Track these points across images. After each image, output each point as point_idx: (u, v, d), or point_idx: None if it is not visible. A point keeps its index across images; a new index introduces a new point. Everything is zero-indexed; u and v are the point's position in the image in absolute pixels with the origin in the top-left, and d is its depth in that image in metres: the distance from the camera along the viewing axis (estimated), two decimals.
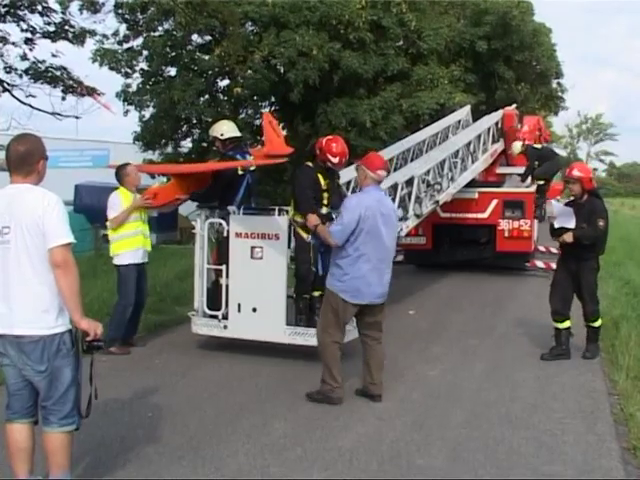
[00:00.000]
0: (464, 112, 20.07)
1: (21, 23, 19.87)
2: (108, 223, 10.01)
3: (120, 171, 10.19)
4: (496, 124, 19.11)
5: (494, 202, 17.74)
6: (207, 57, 26.60)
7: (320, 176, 9.43)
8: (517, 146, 19.10)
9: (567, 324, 9.81)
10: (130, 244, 9.97)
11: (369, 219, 7.53)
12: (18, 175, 4.95)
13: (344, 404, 7.71)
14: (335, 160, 9.38)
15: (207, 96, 27.44)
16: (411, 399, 7.97)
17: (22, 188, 4.92)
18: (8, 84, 20.21)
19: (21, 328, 4.83)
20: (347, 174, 11.82)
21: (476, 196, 17.72)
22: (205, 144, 28.99)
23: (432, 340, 10.84)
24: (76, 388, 5.06)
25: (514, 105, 21.33)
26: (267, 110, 29.73)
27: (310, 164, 9.57)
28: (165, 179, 12.85)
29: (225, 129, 10.57)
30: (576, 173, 9.69)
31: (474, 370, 9.23)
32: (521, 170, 19.41)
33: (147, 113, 28.41)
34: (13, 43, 20.16)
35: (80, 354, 5.07)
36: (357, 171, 7.97)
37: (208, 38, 27.71)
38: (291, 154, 11.36)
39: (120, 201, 9.96)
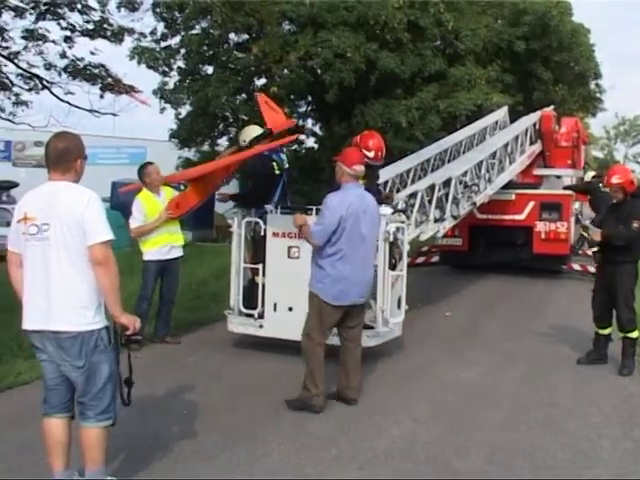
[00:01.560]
0: (501, 113, 19.91)
1: (61, 21, 20.06)
2: (131, 232, 10.10)
3: (141, 170, 10.28)
4: (534, 125, 18.92)
5: (531, 204, 17.62)
6: (244, 56, 26.66)
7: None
8: (589, 175, 19.01)
9: (608, 331, 9.55)
10: (154, 243, 10.07)
11: (351, 218, 7.37)
12: (56, 172, 4.96)
13: (378, 405, 7.65)
14: (371, 155, 9.35)
15: (244, 95, 27.50)
16: (447, 402, 7.89)
17: (60, 185, 4.93)
18: (47, 81, 20.41)
19: (60, 324, 4.84)
20: (386, 174, 11.77)
21: (513, 198, 17.61)
22: None
23: (469, 342, 10.74)
24: (113, 384, 5.07)
25: (552, 106, 21.12)
26: (304, 109, 29.79)
27: None
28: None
29: (246, 135, 10.58)
30: (616, 180, 9.36)
31: (511, 373, 9.13)
32: (559, 172, 19.26)
33: (183, 111, 28.63)
34: (53, 41, 20.37)
35: (119, 349, 5.09)
36: (335, 168, 7.81)
37: (245, 37, 27.80)
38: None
39: (141, 207, 10.05)
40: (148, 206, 10.04)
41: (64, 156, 4.94)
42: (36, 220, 4.86)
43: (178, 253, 10.30)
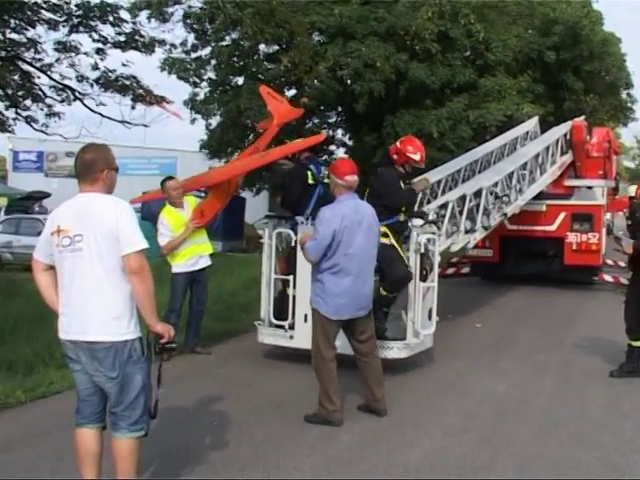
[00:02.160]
0: (532, 123, 19.81)
1: (93, 33, 20.21)
2: (162, 250, 10.06)
3: (162, 186, 10.31)
4: (565, 136, 18.81)
5: (562, 215, 17.53)
6: (274, 66, 26.73)
7: (401, 182, 9.38)
8: (632, 189, 18.86)
9: None
10: (182, 255, 10.09)
11: (346, 230, 7.24)
12: (85, 183, 5.00)
13: (409, 418, 7.61)
14: (417, 157, 9.36)
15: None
16: (478, 414, 7.83)
17: (91, 196, 4.96)
18: (80, 93, 20.56)
19: (94, 334, 4.86)
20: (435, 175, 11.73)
21: (544, 208, 17.53)
22: None
23: (499, 355, 10.67)
24: (146, 394, 5.09)
25: (583, 116, 20.97)
26: (333, 120, 29.79)
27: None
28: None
29: None
30: None
31: (542, 386, 9.05)
32: (590, 182, 19.11)
33: (214, 121, 28.72)
34: (85, 53, 20.52)
35: (151, 360, 5.12)
36: (329, 181, 7.75)
37: (275, 48, 27.86)
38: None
39: (167, 223, 10.06)
40: (173, 221, 10.06)
41: (91, 167, 4.98)
42: (69, 232, 4.89)
43: (206, 263, 10.31)
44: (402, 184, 9.36)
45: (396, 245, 9.16)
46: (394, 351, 9.19)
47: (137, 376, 4.99)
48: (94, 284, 4.85)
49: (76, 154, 5.06)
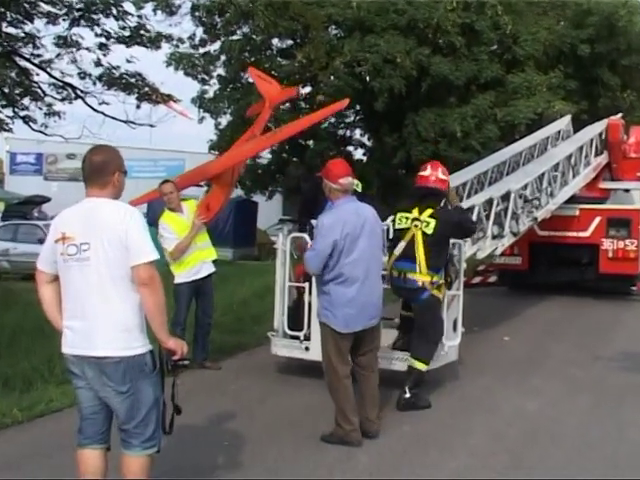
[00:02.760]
0: (564, 122, 19.74)
1: (95, 28, 20.29)
2: (168, 257, 9.96)
3: (158, 189, 10.32)
4: (599, 135, 18.73)
5: (597, 220, 17.43)
6: (288, 62, 26.80)
7: None
8: None
9: None
10: (186, 264, 10.04)
11: (348, 237, 7.18)
12: (93, 187, 4.97)
13: (432, 438, 7.58)
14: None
15: (287, 104, 27.64)
16: (507, 435, 7.79)
17: (98, 202, 4.93)
18: (81, 91, 20.65)
19: (102, 349, 4.84)
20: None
21: (577, 213, 17.44)
22: (285, 155, 29.16)
23: (530, 370, 10.61)
24: (158, 409, 5.07)
25: (619, 114, 20.88)
26: (351, 119, 29.81)
27: None
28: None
29: None
30: None
31: (577, 404, 8.98)
32: (627, 185, 19.01)
33: (224, 120, 28.82)
34: (87, 48, 20.60)
35: (165, 374, 5.10)
36: (323, 186, 7.66)
37: (289, 42, 27.95)
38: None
39: (167, 227, 10.00)
40: (174, 225, 10.02)
41: (101, 170, 4.95)
42: (75, 240, 4.87)
43: (210, 270, 10.28)
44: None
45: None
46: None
47: (148, 390, 4.96)
48: (102, 295, 4.83)
49: (84, 156, 5.04)
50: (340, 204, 7.42)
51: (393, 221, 9.04)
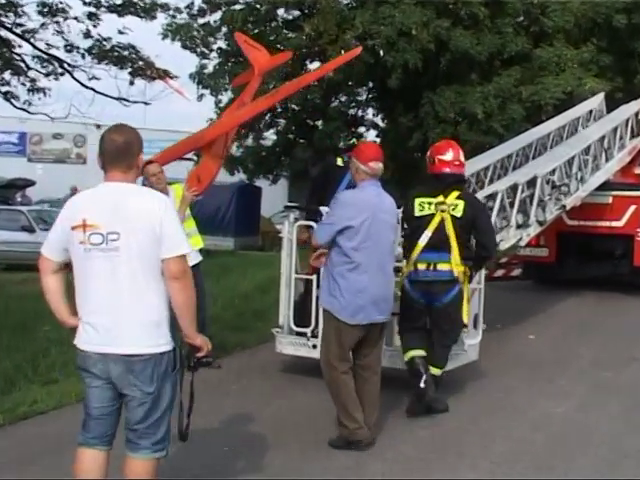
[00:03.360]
0: (597, 101, 19.69)
1: None
2: None
3: (143, 173, 10.17)
4: (636, 115, 18.69)
5: (632, 208, 17.36)
6: (294, 35, 26.77)
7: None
8: None
9: None
10: None
11: (365, 219, 7.25)
12: (116, 170, 4.95)
13: (451, 444, 7.59)
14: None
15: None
16: (532, 440, 7.80)
17: (125, 188, 4.94)
18: (69, 65, 20.67)
19: (131, 346, 4.87)
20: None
21: (610, 201, 17.37)
22: (291, 136, 29.14)
23: (557, 371, 10.62)
24: (171, 412, 5.12)
25: None
26: (363, 98, 29.78)
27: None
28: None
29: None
30: None
31: (608, 409, 8.97)
32: None
33: (225, 98, 28.78)
34: (75, 18, 20.59)
35: (183, 373, 5.18)
36: (350, 165, 7.77)
37: (296, 13, 27.92)
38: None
39: None
40: None
41: (127, 151, 4.96)
42: (100, 228, 4.85)
43: (196, 259, 10.21)
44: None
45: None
46: None
47: (168, 390, 5.02)
48: (133, 289, 4.85)
49: (103, 136, 5.01)
50: (364, 186, 7.53)
51: (407, 208, 8.77)
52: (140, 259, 4.84)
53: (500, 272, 19.15)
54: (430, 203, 8.55)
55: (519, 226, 12.20)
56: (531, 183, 12.66)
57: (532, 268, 18.67)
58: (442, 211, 8.49)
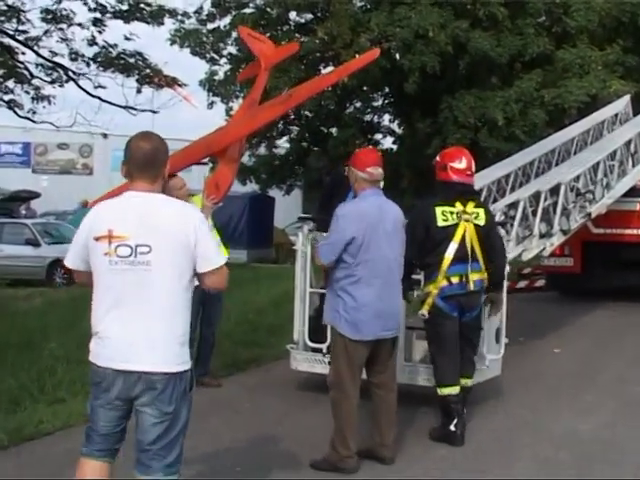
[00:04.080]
0: (622, 104, 19.69)
1: (88, 1, 20.33)
2: None
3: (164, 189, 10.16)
4: None
5: None
6: (307, 39, 26.82)
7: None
8: None
9: None
10: None
11: (368, 232, 7.20)
12: (143, 180, 4.95)
13: (472, 462, 7.59)
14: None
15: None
16: (557, 459, 7.77)
17: (155, 199, 4.93)
18: (74, 73, 20.73)
19: (155, 364, 4.83)
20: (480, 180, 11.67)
21: (638, 207, 17.36)
22: (305, 144, 29.16)
23: (583, 386, 10.61)
24: (184, 433, 5.05)
25: None
26: (379, 103, 29.78)
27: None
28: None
29: None
30: None
31: (636, 427, 8.92)
32: None
33: (236, 105, 28.84)
34: (79, 24, 20.65)
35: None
36: (349, 175, 7.68)
37: (309, 17, 27.98)
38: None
39: None
40: None
41: (155, 160, 4.96)
42: (128, 240, 4.82)
43: None
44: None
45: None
46: None
47: (184, 412, 4.98)
48: (163, 305, 4.83)
49: (128, 143, 5.00)
50: (365, 195, 7.47)
51: (427, 218, 8.55)
52: (172, 274, 4.83)
53: (523, 283, 19.16)
54: (452, 212, 8.44)
55: (542, 235, 12.19)
56: (554, 191, 12.66)
57: (556, 279, 18.65)
58: (466, 220, 8.43)
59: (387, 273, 7.36)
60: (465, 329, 8.48)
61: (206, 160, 12.80)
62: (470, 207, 8.49)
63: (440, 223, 8.38)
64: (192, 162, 11.13)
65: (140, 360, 4.82)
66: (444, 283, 8.30)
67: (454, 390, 8.31)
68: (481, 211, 8.56)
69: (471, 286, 8.35)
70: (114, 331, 4.87)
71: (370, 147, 8.79)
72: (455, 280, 8.33)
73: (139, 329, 4.82)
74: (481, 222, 8.47)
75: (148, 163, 4.92)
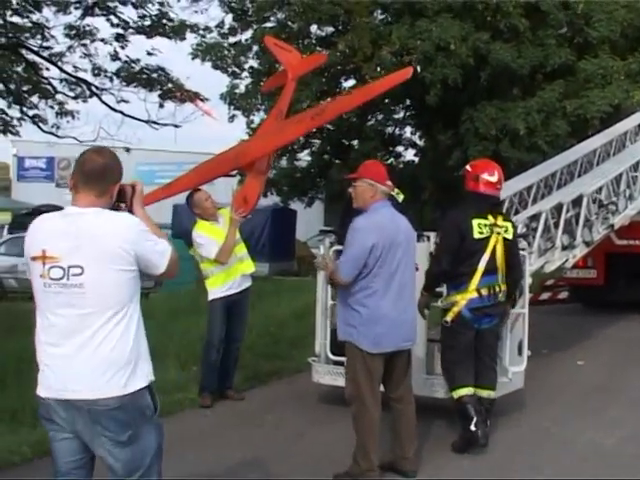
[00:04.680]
0: None
1: (111, 17, 20.44)
2: (207, 270, 10.00)
3: (188, 201, 10.23)
4: None
5: None
6: (328, 52, 26.86)
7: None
8: None
9: None
10: (226, 277, 10.01)
11: (384, 245, 7.19)
12: (88, 193, 4.63)
13: (498, 474, 7.53)
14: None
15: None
16: (581, 473, 7.69)
17: (90, 212, 4.61)
18: (97, 88, 20.83)
19: (96, 390, 4.49)
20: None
21: None
22: (327, 156, 29.20)
23: (608, 399, 10.52)
24: (160, 460, 4.76)
25: None
26: (400, 116, 29.78)
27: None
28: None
29: None
30: None
31: None
32: None
33: (257, 118, 28.92)
34: (102, 40, 20.76)
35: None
36: (357, 188, 7.56)
37: (330, 30, 28.01)
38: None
39: (205, 235, 9.92)
40: (211, 234, 9.95)
41: (103, 175, 4.65)
42: (60, 261, 4.52)
43: (248, 283, 10.28)
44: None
45: None
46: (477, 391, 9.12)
47: (150, 437, 4.65)
48: (98, 328, 4.49)
49: (81, 156, 4.73)
50: (377, 208, 7.45)
51: (462, 229, 8.52)
52: (109, 294, 4.52)
53: (546, 295, 19.05)
54: (486, 225, 8.47)
55: (565, 247, 12.13)
56: (577, 202, 12.59)
57: (579, 291, 18.55)
58: (498, 233, 8.46)
59: (404, 284, 7.36)
60: (485, 336, 8.55)
61: (234, 172, 12.81)
62: (500, 220, 8.55)
63: (476, 235, 8.39)
64: (219, 175, 11.11)
65: (80, 387, 4.50)
66: (474, 295, 8.35)
67: (469, 391, 8.34)
68: (509, 225, 8.66)
69: (500, 297, 8.46)
70: (52, 359, 4.58)
71: (374, 160, 8.65)
72: (485, 292, 8.38)
73: (77, 355, 4.50)
74: (509, 236, 8.55)
75: (95, 176, 4.62)
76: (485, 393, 8.54)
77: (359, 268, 7.17)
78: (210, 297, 10.06)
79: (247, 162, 10.52)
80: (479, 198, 8.68)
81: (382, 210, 7.44)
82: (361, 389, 7.31)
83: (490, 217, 8.50)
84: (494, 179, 8.74)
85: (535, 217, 11.94)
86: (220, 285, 10.02)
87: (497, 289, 8.44)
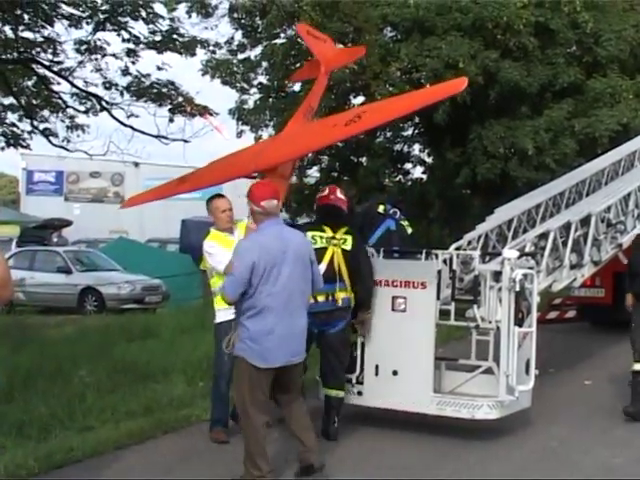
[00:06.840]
0: None
1: (122, 32, 20.49)
2: (224, 273, 9.64)
3: (207, 205, 9.77)
4: None
5: None
6: (337, 69, 26.87)
7: None
8: None
9: None
10: None
11: (267, 263, 7.39)
12: None
13: None
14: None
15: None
16: None
17: None
18: (107, 102, 20.85)
19: None
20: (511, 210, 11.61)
21: None
22: (335, 173, 29.20)
23: (615, 419, 10.49)
24: None
25: None
26: (409, 133, 29.77)
27: None
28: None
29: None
30: None
31: None
32: None
33: (265, 134, 28.92)
34: (113, 55, 20.82)
35: None
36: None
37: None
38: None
39: (218, 245, 9.33)
40: (224, 245, 9.23)
41: None
42: None
43: None
44: None
45: None
46: (484, 410, 9.12)
47: None
48: None
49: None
50: (262, 228, 7.69)
51: None
52: None
53: (554, 314, 19.02)
54: (321, 237, 9.49)
55: (573, 266, 12.13)
56: (585, 221, 12.58)
57: (587, 310, 18.51)
58: (335, 245, 9.45)
59: (289, 300, 7.55)
60: (330, 340, 9.37)
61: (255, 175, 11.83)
62: (340, 233, 9.47)
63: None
64: (235, 176, 10.46)
65: None
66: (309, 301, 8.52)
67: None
68: (349, 237, 9.46)
69: (339, 303, 9.25)
70: None
71: (265, 180, 8.18)
72: (321, 299, 9.09)
73: None
74: (348, 247, 9.39)
75: None
76: (334, 393, 9.34)
77: (244, 286, 7.38)
78: (217, 319, 9.48)
79: (269, 165, 9.71)
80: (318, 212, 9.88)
81: (267, 230, 7.66)
82: (245, 400, 7.58)
83: (327, 230, 9.32)
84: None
85: (544, 236, 11.95)
86: (227, 305, 9.58)
87: (335, 296, 9.13)
